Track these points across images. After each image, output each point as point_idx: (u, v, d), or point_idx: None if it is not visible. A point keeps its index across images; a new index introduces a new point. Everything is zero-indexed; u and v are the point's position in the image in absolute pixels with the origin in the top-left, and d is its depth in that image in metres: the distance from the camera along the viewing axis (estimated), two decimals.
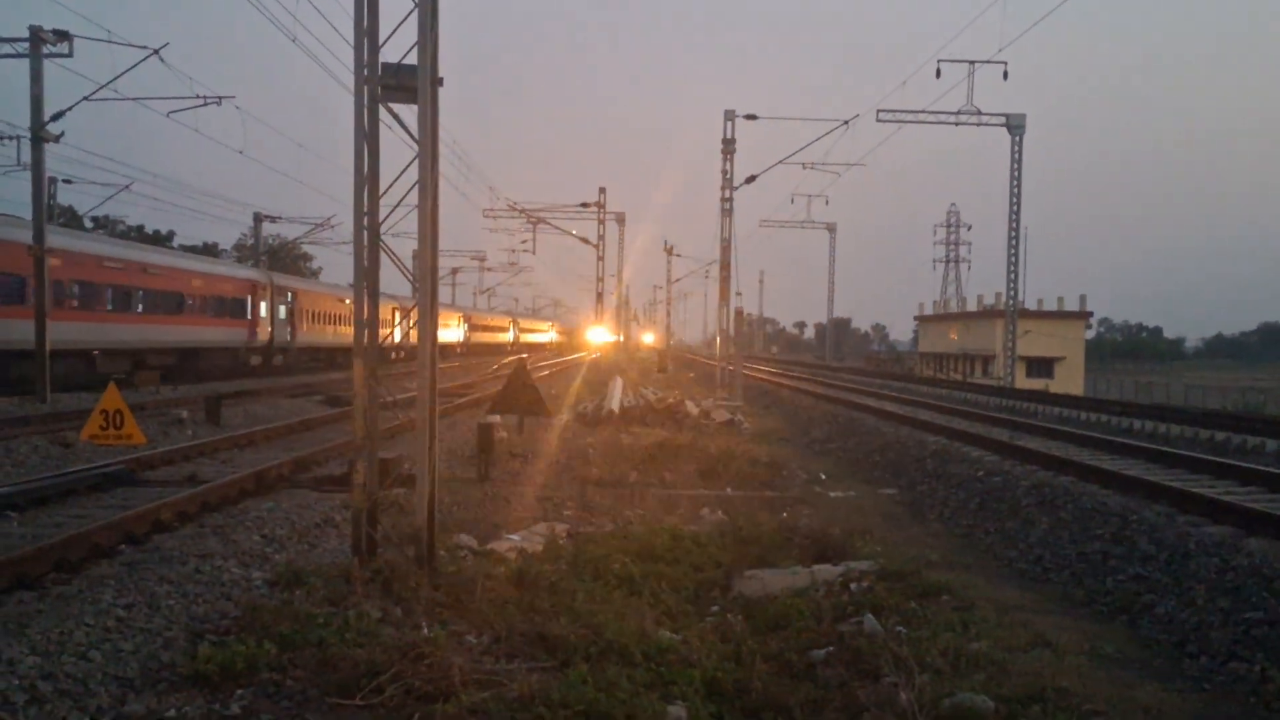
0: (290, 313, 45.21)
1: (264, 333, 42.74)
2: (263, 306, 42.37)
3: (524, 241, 60.21)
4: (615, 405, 25.51)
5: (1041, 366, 66.48)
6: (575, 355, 78.85)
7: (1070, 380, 63.51)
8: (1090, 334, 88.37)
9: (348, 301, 46.91)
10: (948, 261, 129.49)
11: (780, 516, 13.07)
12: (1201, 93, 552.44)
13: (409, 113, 9.09)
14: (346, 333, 40.49)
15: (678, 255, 73.72)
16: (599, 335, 67.06)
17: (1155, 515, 11.68)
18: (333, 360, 50.47)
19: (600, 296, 53.27)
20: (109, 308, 31.25)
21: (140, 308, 33.12)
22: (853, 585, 8.98)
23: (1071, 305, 74.56)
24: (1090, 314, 79.35)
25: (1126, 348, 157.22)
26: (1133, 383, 58.46)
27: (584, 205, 51.20)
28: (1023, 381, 52.57)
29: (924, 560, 10.36)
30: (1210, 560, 9.77)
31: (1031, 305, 69.55)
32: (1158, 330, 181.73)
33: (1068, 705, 6.32)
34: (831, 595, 8.73)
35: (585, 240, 51.61)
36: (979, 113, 41.99)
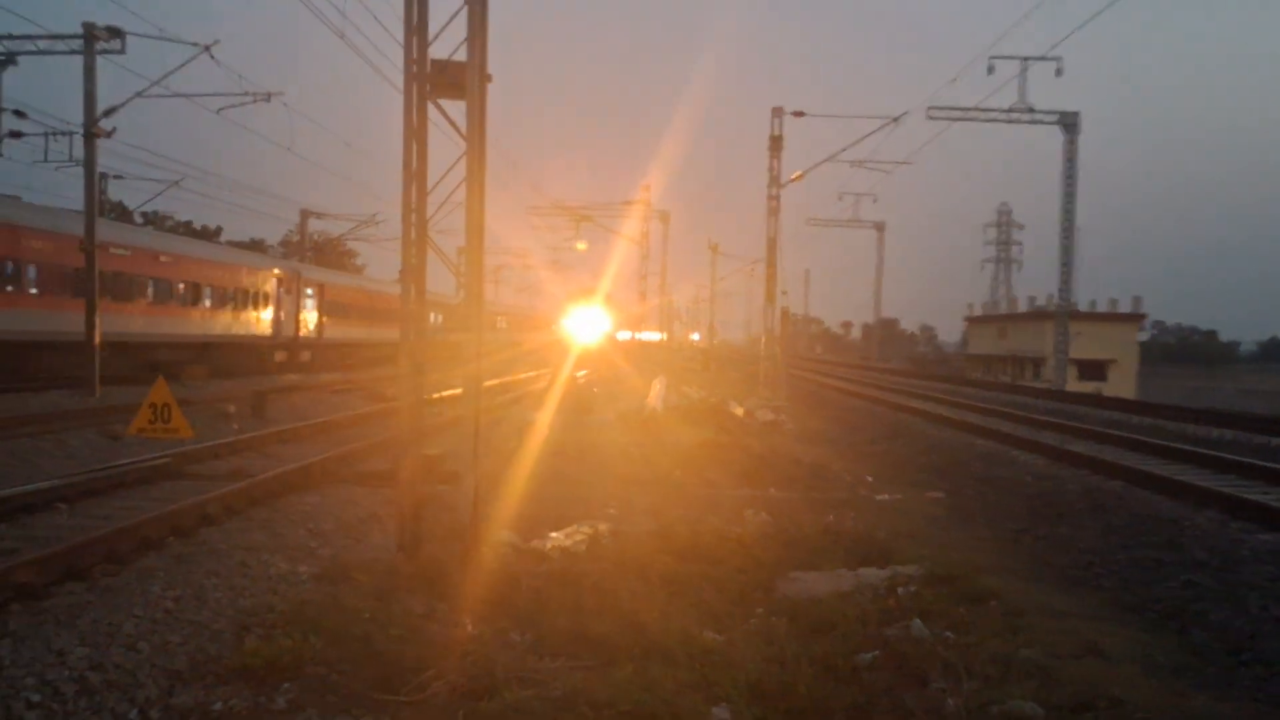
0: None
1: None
2: (431, 315, 55.30)
3: (568, 239, 60.33)
4: (658, 404, 25.48)
5: (1093, 369, 65.49)
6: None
7: (1122, 384, 62.55)
8: (1144, 336, 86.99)
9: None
10: (998, 261, 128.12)
11: (825, 518, 12.95)
12: (1262, 90, 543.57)
13: (456, 109, 9.11)
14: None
15: (722, 254, 73.33)
16: (589, 325, 37.60)
17: (1207, 521, 11.48)
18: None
19: (643, 296, 53.22)
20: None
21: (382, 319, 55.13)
22: (899, 589, 8.87)
23: (1125, 307, 73.46)
24: (1144, 316, 78.15)
25: (1180, 351, 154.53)
26: (1185, 387, 57.49)
27: (628, 203, 51.22)
28: (1074, 385, 51.85)
29: (972, 565, 10.22)
30: (1263, 568, 9.58)
31: (1083, 306, 68.44)
32: (1212, 333, 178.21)
33: (1118, 714, 6.20)
34: (877, 599, 8.62)
35: (629, 238, 51.59)
36: (1031, 110, 41.39)
